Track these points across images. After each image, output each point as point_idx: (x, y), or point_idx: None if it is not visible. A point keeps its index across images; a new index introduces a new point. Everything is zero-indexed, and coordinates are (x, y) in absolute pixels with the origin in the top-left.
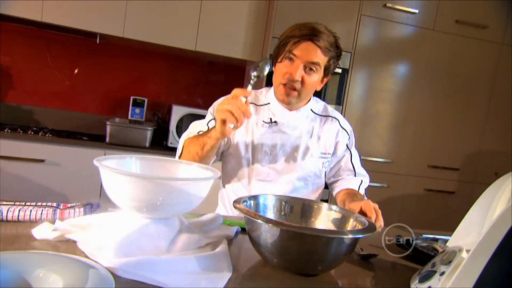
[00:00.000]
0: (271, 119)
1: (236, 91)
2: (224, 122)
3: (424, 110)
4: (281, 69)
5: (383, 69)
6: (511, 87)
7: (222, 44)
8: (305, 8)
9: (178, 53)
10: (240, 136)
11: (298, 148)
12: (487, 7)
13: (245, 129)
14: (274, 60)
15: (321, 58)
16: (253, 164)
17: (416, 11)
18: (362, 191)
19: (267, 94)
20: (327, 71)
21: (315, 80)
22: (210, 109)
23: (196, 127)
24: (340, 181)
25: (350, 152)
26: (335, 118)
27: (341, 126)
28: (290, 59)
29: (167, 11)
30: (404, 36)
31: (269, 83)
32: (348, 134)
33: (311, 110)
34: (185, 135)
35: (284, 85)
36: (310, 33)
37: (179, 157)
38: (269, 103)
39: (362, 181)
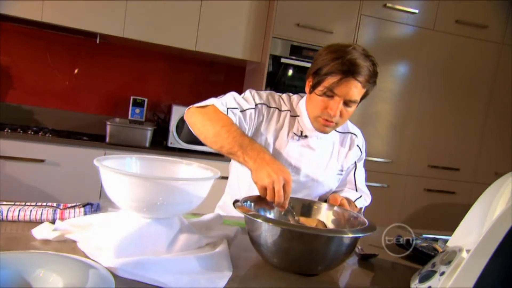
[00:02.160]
0: (301, 132)
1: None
2: (265, 189)
3: (424, 110)
4: (319, 103)
5: (383, 69)
6: (511, 87)
7: (222, 44)
8: (305, 8)
9: (178, 53)
10: (269, 143)
11: (320, 165)
12: (487, 7)
13: (276, 135)
14: (308, 81)
15: (360, 93)
16: None
17: (416, 11)
18: (358, 205)
19: (298, 104)
20: (363, 98)
21: (353, 110)
22: (252, 94)
23: (233, 102)
24: (339, 192)
25: (356, 166)
26: (354, 135)
27: (357, 144)
28: (330, 95)
29: (167, 11)
30: (404, 36)
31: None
32: (361, 152)
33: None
34: (219, 103)
35: (324, 119)
36: (351, 70)
37: (196, 107)
38: (299, 116)
39: (361, 196)
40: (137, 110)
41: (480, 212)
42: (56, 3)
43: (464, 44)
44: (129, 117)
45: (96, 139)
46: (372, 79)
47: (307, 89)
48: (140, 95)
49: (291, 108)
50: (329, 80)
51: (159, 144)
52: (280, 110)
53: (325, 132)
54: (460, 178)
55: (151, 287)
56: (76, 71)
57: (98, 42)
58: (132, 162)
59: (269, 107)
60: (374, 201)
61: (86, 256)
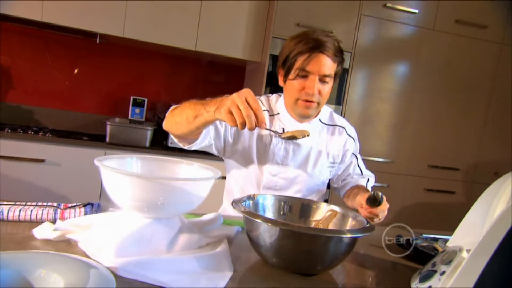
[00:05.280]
0: (283, 129)
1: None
2: (231, 113)
3: (424, 110)
4: (295, 86)
5: (383, 69)
6: (511, 87)
7: (222, 44)
8: (305, 8)
9: (178, 53)
10: (251, 144)
11: (308, 159)
12: (487, 7)
13: (258, 137)
14: (281, 74)
15: (332, 67)
16: (263, 173)
17: (416, 11)
18: (369, 187)
19: (277, 103)
20: (336, 76)
21: (330, 88)
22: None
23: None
24: (349, 184)
25: (356, 157)
26: (342, 127)
27: (348, 134)
28: (303, 76)
29: (167, 11)
30: (404, 36)
31: (270, 85)
32: (355, 141)
33: (319, 120)
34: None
35: (304, 100)
36: (317, 45)
37: (170, 111)
38: (279, 113)
39: (368, 179)
40: (137, 110)
41: (480, 212)
42: (56, 3)
43: (464, 44)
44: (129, 117)
45: (96, 139)
46: (339, 53)
47: (280, 81)
48: (140, 95)
49: (269, 108)
50: (299, 61)
51: (159, 144)
52: None
53: (308, 115)
54: (460, 178)
55: (152, 287)
56: (76, 71)
57: (98, 42)
58: (133, 162)
59: None
60: None
61: (87, 256)
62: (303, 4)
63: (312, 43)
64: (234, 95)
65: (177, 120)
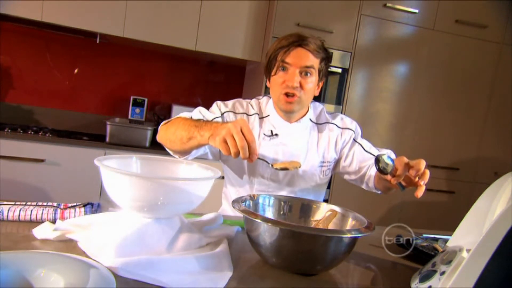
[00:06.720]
0: (271, 131)
1: (248, 131)
2: (225, 142)
3: (424, 110)
4: (277, 80)
5: (383, 69)
6: (510, 87)
7: (222, 44)
8: (305, 8)
9: (178, 53)
10: None
11: (299, 159)
12: (486, 7)
13: None
14: (266, 75)
15: (313, 60)
16: (255, 176)
17: (416, 11)
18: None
19: (267, 106)
20: (320, 73)
21: (313, 83)
22: (218, 104)
23: (199, 115)
24: (368, 172)
25: (359, 144)
26: (333, 124)
27: (340, 128)
28: (284, 68)
29: (167, 11)
30: (404, 36)
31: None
32: (352, 130)
33: (310, 119)
34: (184, 114)
35: (284, 94)
36: (297, 40)
37: (162, 125)
38: (268, 115)
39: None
40: (137, 110)
41: (480, 212)
42: (56, 3)
43: (463, 44)
44: (129, 117)
45: (96, 139)
46: (321, 50)
47: (267, 82)
48: (140, 95)
49: (259, 111)
50: (280, 55)
51: (159, 144)
52: (248, 115)
53: (291, 110)
54: (460, 178)
55: (152, 287)
56: (76, 71)
57: (98, 42)
58: (133, 162)
59: (235, 113)
60: (374, 201)
61: (87, 256)
62: (303, 4)
63: (293, 38)
64: (230, 124)
65: (170, 138)
